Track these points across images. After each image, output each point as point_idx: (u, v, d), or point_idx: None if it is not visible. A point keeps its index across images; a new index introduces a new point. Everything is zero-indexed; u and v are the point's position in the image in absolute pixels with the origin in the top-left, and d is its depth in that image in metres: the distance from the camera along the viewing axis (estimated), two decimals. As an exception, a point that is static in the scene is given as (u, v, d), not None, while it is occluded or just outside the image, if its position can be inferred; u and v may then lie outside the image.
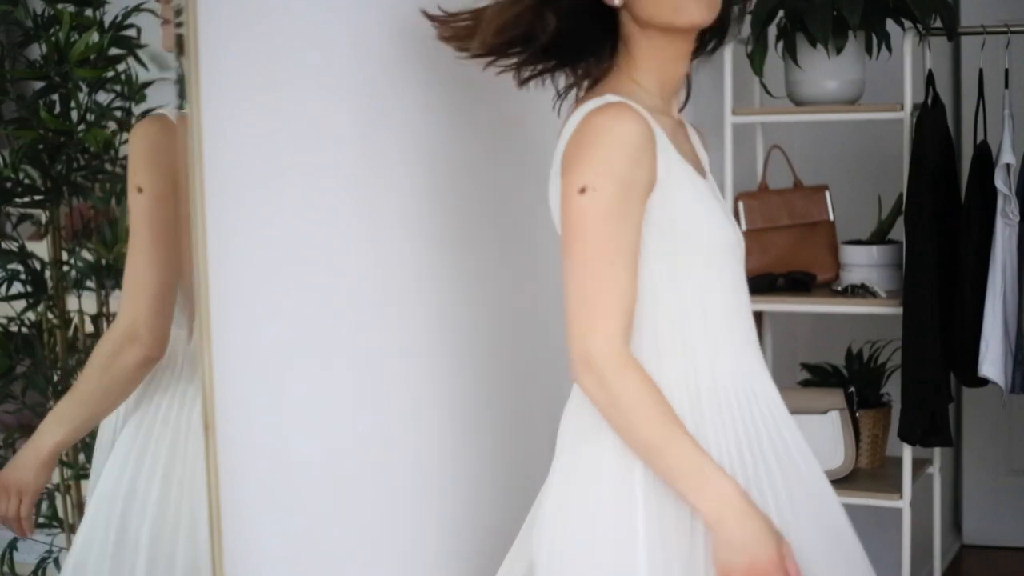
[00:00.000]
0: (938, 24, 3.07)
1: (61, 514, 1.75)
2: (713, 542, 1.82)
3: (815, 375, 3.34)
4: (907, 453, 3.06)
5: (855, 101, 3.12)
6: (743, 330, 1.97)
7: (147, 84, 1.73)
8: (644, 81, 1.93)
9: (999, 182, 2.96)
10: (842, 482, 3.11)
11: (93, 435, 1.75)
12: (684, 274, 1.90)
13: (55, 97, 1.71)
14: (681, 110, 2.03)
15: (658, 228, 1.88)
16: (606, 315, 1.83)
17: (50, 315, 1.72)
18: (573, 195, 1.84)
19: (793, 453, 1.97)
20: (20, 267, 1.70)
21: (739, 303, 1.97)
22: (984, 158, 3.08)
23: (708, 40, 2.01)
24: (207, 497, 1.76)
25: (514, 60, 2.01)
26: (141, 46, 1.72)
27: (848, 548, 2.00)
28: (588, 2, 1.92)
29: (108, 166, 1.73)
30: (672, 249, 1.89)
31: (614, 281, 1.84)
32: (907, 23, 3.04)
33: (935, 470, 3.26)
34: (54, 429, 1.73)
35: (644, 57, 1.93)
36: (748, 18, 3.06)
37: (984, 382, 3.06)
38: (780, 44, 3.12)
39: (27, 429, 1.73)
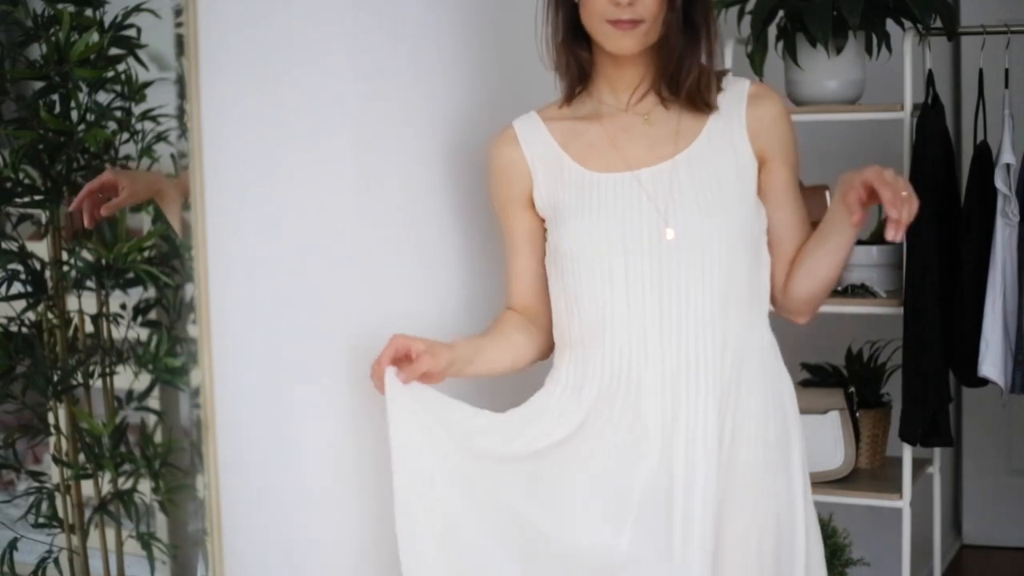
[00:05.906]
0: (938, 24, 3.07)
1: (61, 514, 1.74)
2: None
3: (815, 375, 3.34)
4: (907, 453, 3.06)
5: (855, 101, 3.12)
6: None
7: (147, 84, 1.73)
8: (596, 87, 2.14)
9: (999, 182, 2.95)
10: (842, 482, 3.11)
11: (93, 434, 1.75)
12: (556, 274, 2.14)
13: (55, 97, 1.70)
14: (702, 105, 2.09)
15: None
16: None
17: (50, 315, 1.71)
18: None
19: None
20: (20, 267, 1.70)
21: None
22: (984, 158, 3.08)
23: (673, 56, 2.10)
24: (207, 497, 1.75)
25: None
26: (141, 46, 1.71)
27: None
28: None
29: (108, 166, 1.73)
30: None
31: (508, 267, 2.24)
32: (907, 23, 3.04)
33: (935, 470, 3.26)
34: None
35: (597, 63, 2.12)
36: (748, 18, 3.07)
37: (984, 382, 3.06)
38: (780, 44, 3.12)
39: (27, 429, 1.73)
